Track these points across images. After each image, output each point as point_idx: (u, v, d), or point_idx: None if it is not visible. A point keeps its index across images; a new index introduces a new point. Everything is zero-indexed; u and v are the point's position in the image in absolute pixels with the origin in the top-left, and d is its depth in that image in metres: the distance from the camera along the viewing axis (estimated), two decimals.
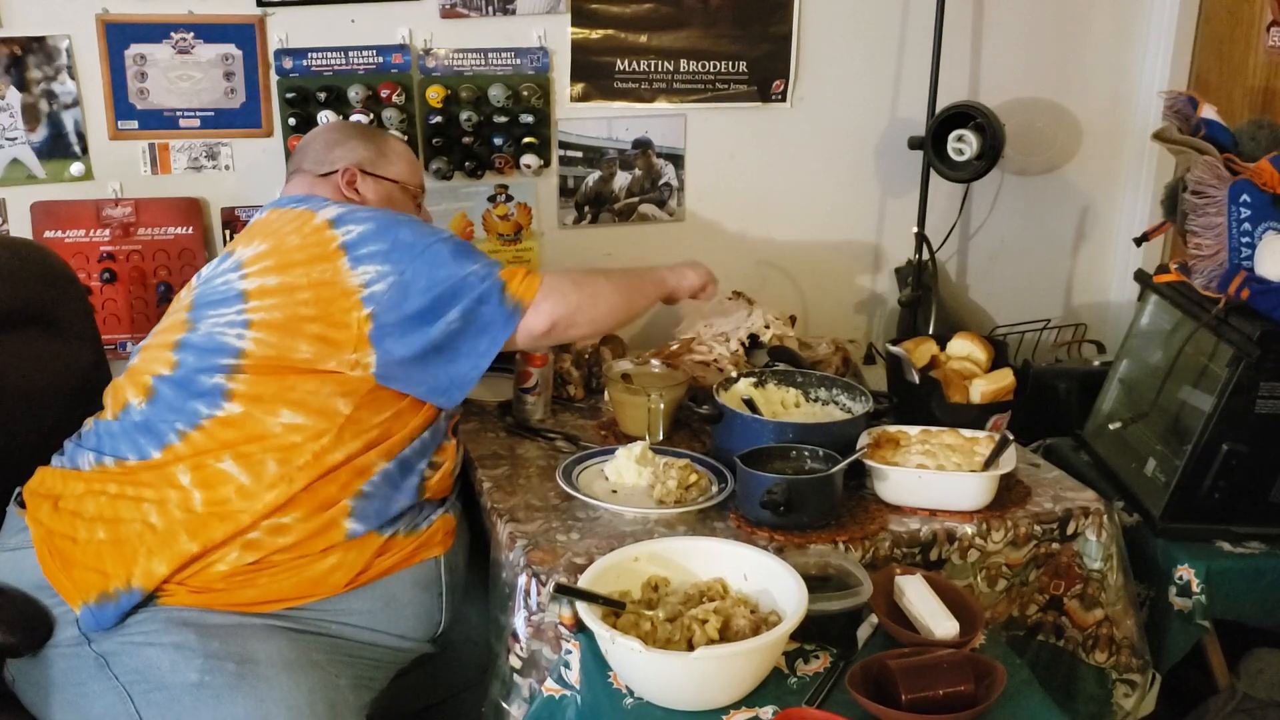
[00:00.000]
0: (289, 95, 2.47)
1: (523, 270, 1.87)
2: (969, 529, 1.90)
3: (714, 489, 1.97)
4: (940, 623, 1.63)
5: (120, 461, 1.80)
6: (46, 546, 1.76)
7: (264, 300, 1.80)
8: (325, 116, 2.46)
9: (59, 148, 2.42)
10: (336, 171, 2.04)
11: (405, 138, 2.50)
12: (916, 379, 2.22)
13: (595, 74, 2.67)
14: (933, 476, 1.92)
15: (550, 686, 1.66)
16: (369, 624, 1.85)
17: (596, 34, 2.64)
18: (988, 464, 1.94)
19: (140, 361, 1.88)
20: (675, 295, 2.15)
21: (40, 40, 2.35)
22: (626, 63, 2.68)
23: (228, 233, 2.53)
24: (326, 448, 1.79)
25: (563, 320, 1.87)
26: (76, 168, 2.43)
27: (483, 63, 2.58)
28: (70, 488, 1.80)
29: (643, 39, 2.67)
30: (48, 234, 2.43)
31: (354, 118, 2.48)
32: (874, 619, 1.67)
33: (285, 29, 2.46)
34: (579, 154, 2.72)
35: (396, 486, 1.87)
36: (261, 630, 1.74)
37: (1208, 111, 2.25)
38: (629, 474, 1.99)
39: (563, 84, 2.65)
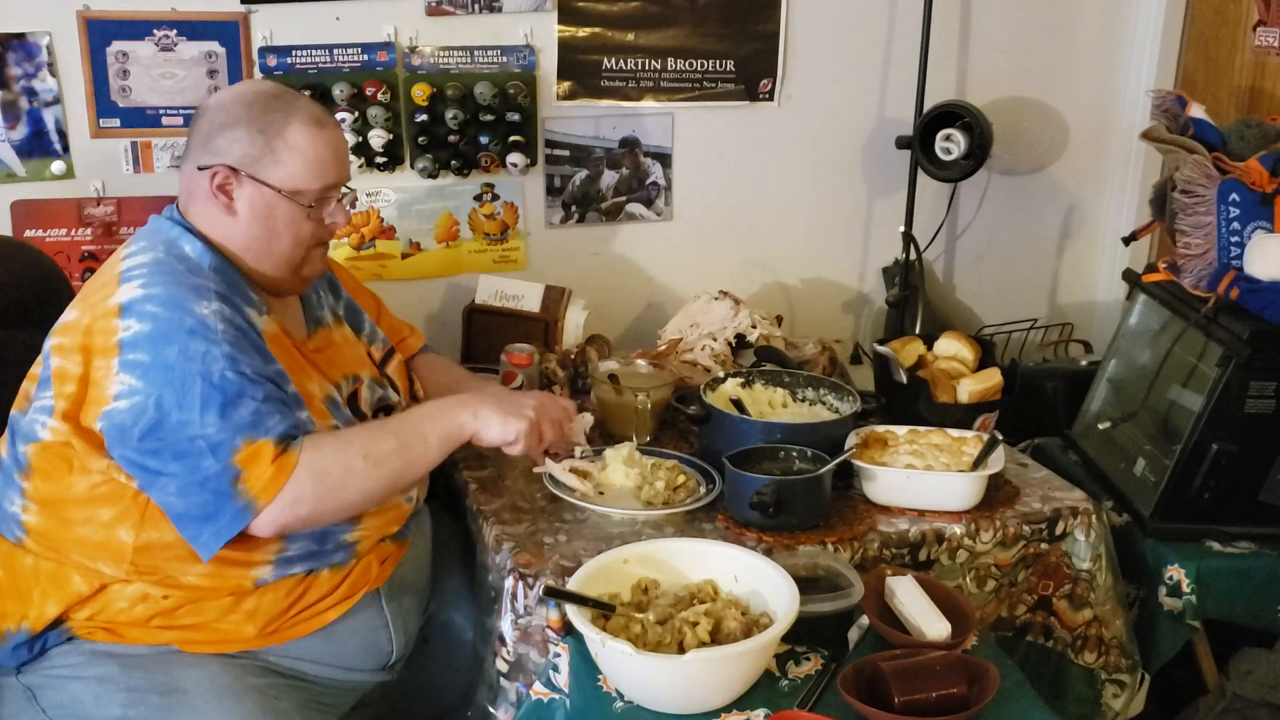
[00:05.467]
0: None
1: (271, 455, 1.54)
2: (958, 529, 1.90)
3: (702, 490, 1.96)
4: (932, 624, 1.62)
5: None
6: None
7: (62, 385, 1.60)
8: None
9: (40, 146, 2.39)
10: (210, 169, 1.69)
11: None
12: (904, 379, 2.22)
13: (582, 72, 2.65)
14: (921, 477, 1.92)
15: (538, 690, 1.64)
16: (309, 657, 1.72)
17: (583, 32, 2.62)
18: (976, 464, 1.94)
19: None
20: (479, 444, 1.77)
21: (20, 37, 2.32)
22: (613, 61, 2.67)
23: None
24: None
25: (294, 524, 1.60)
26: (58, 166, 2.40)
27: (469, 60, 2.56)
28: None
29: (630, 37, 2.66)
30: (29, 233, 2.40)
31: (338, 116, 2.44)
32: (865, 621, 1.66)
33: (269, 26, 2.44)
34: (566, 153, 2.71)
35: (322, 542, 1.69)
36: (190, 658, 1.65)
37: (1196, 110, 2.25)
38: (616, 475, 1.98)
39: (549, 82, 2.63)
